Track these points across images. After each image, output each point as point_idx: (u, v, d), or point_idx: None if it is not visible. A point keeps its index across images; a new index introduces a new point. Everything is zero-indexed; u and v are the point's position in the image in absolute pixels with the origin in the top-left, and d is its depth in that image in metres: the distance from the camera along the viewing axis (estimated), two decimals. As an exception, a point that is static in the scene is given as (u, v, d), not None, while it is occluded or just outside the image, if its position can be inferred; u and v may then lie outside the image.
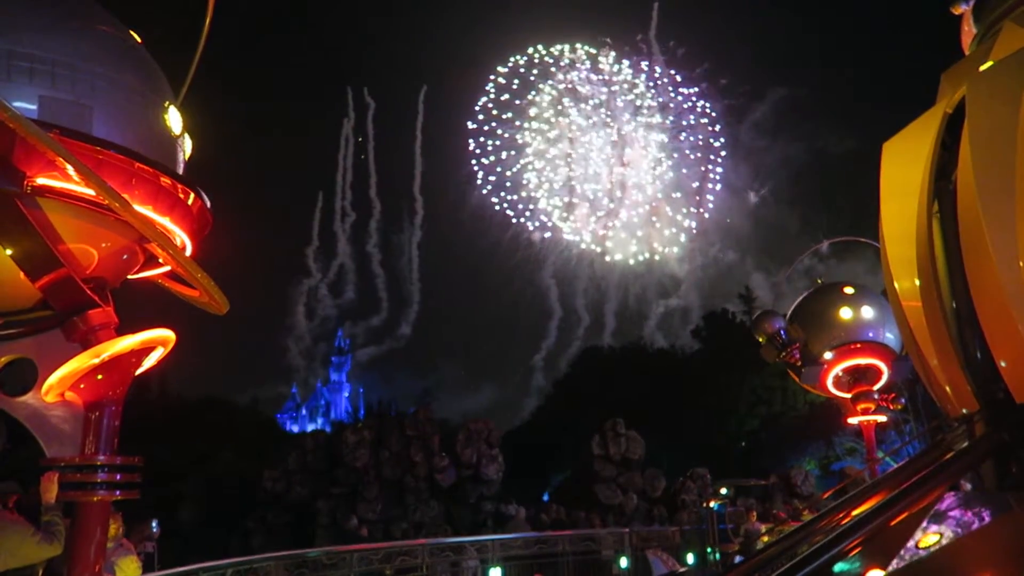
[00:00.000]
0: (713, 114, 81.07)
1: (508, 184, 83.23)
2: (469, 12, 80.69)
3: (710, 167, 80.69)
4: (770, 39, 76.78)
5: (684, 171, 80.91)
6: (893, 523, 7.42)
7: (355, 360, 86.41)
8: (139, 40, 5.95)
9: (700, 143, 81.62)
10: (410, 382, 73.95)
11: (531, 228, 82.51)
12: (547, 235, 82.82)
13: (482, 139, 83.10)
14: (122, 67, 5.52)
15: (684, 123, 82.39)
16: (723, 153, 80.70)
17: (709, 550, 20.30)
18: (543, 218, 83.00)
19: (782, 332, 18.02)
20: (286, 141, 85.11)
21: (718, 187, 78.74)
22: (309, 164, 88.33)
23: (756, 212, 74.19)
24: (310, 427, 64.94)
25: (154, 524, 13.36)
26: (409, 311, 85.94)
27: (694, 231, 78.80)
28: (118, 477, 5.27)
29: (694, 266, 76.61)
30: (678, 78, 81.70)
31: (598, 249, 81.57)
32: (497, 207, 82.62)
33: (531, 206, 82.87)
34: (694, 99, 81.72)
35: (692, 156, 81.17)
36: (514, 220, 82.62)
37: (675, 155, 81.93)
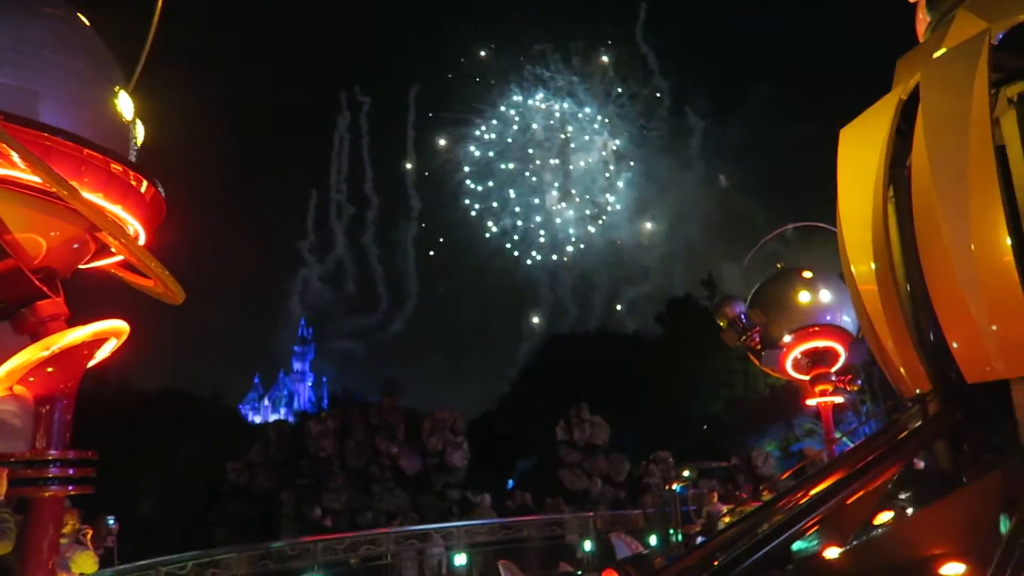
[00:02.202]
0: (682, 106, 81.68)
1: (487, 182, 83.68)
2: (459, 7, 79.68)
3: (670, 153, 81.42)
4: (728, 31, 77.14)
5: (649, 158, 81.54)
6: (850, 501, 7.58)
7: (331, 351, 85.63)
8: (88, 23, 5.76)
9: (664, 132, 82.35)
10: (391, 373, 73.66)
11: (507, 220, 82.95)
12: (519, 223, 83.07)
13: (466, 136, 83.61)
14: (70, 51, 5.35)
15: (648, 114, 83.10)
16: (691, 141, 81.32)
17: (672, 532, 20.59)
18: (516, 209, 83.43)
19: (743, 316, 18.28)
20: (279, 139, 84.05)
21: (687, 176, 79.35)
22: (301, 162, 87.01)
23: (723, 199, 74.95)
24: (273, 418, 64.30)
25: (111, 520, 13.06)
26: (384, 303, 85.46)
27: (656, 218, 79.40)
28: (71, 472, 5.15)
29: (659, 253, 77.18)
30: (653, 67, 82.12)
31: (572, 236, 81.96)
32: (479, 205, 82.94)
33: (507, 198, 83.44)
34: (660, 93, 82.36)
35: (659, 144, 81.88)
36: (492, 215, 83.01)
37: (640, 144, 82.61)
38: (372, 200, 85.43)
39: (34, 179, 4.72)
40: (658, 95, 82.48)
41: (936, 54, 8.04)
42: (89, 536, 8.47)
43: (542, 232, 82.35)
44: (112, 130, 5.40)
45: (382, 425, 31.84)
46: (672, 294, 59.65)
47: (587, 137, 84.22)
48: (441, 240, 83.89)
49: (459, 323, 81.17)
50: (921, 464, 11.25)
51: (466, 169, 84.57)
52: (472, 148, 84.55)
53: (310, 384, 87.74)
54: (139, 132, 5.74)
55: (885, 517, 7.74)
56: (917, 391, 8.53)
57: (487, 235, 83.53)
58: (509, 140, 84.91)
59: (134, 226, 5.56)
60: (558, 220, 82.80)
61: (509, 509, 26.38)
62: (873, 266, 8.43)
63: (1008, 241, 6.92)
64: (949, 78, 7.68)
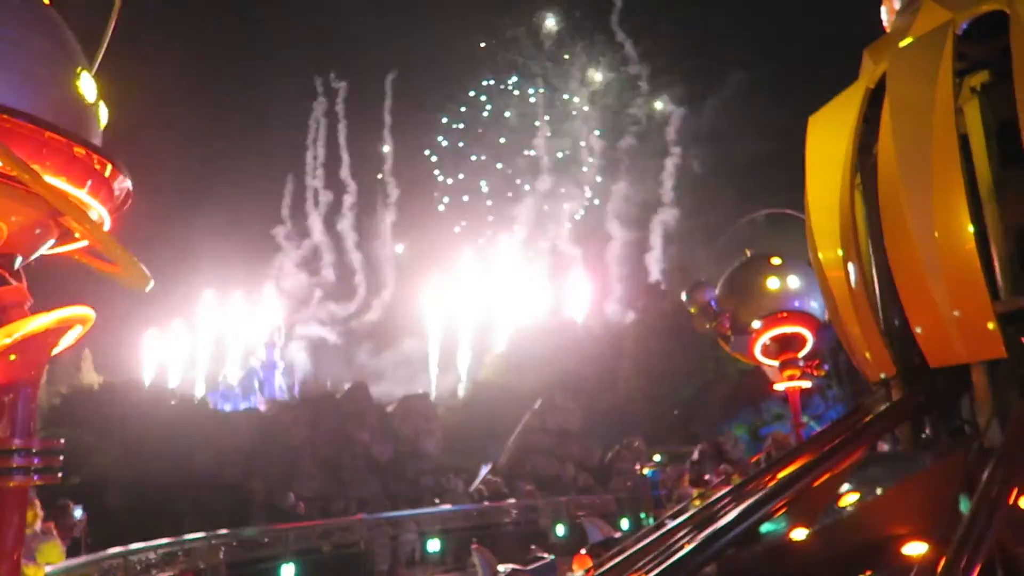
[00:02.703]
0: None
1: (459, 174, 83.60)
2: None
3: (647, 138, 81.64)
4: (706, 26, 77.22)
5: (626, 143, 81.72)
6: (816, 484, 7.73)
7: (304, 338, 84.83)
8: (47, 1, 5.61)
9: (639, 117, 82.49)
10: (371, 361, 73.10)
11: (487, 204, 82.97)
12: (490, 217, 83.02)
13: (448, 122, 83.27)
14: (29, 30, 5.19)
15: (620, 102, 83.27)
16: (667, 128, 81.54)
17: (643, 515, 20.84)
18: (489, 202, 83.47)
19: (713, 302, 18.43)
20: (254, 126, 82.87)
21: (666, 162, 79.54)
22: (277, 149, 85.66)
23: (696, 185, 75.25)
24: (243, 406, 63.67)
25: (78, 512, 12.88)
26: (359, 291, 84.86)
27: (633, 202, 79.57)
28: (36, 461, 5.04)
29: (631, 239, 77.31)
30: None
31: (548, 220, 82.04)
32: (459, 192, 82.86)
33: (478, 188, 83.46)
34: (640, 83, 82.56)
35: (633, 129, 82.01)
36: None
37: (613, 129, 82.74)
38: (348, 186, 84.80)
39: (-7, 163, 4.59)
40: (633, 79, 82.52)
41: (902, 43, 8.14)
42: (53, 527, 8.35)
43: (516, 216, 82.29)
44: (74, 112, 5.26)
45: (353, 413, 31.76)
46: (644, 280, 60.12)
47: (562, 123, 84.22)
48: (415, 226, 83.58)
49: (432, 310, 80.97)
50: (885, 447, 11.48)
51: (433, 159, 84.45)
52: (440, 138, 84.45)
53: (280, 372, 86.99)
54: (102, 114, 5.60)
55: (851, 499, 7.89)
56: (882, 375, 8.69)
57: (464, 222, 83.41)
58: (480, 130, 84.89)
59: (98, 211, 5.43)
60: (532, 205, 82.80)
61: (482, 494, 26.49)
62: (840, 252, 8.55)
63: (970, 228, 7.07)
64: (915, 67, 7.79)
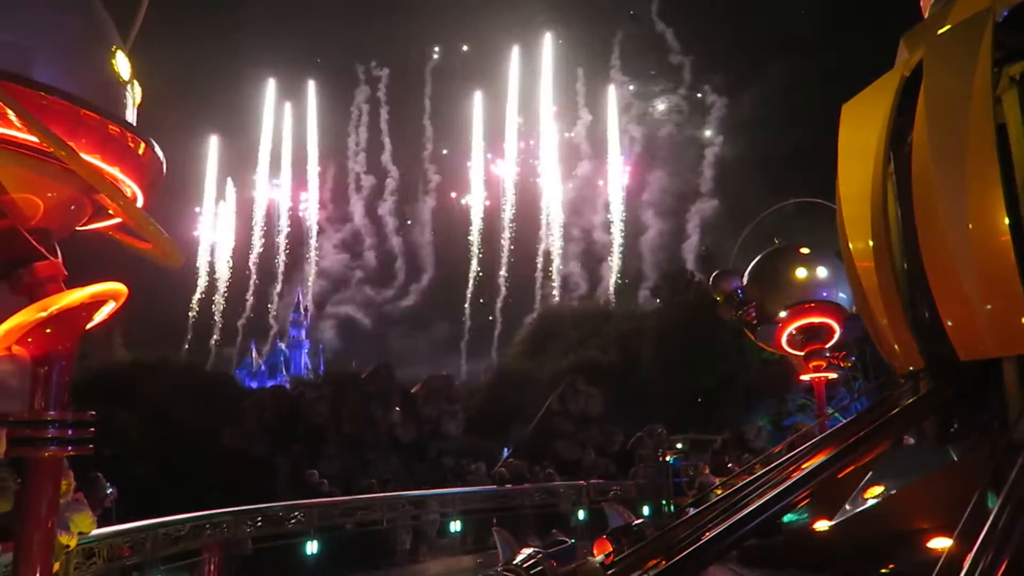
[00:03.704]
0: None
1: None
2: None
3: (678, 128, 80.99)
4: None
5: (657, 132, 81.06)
6: (840, 475, 7.68)
7: (332, 318, 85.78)
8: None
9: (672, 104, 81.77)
10: (402, 343, 73.99)
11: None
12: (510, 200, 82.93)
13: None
14: (67, 10, 5.27)
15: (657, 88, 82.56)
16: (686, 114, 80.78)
17: (664, 503, 20.83)
18: (506, 190, 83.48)
19: (739, 291, 18.30)
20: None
21: (690, 150, 78.90)
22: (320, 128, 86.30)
23: (723, 172, 74.62)
24: (269, 384, 64.50)
25: (108, 488, 13.17)
26: (392, 274, 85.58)
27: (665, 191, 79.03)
28: (69, 432, 5.17)
29: (657, 227, 76.93)
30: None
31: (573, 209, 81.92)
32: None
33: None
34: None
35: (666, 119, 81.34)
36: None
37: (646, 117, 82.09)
38: (390, 172, 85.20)
39: (31, 139, 4.68)
40: (671, 64, 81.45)
41: (939, 31, 7.97)
42: (83, 498, 8.54)
43: (543, 206, 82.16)
44: (109, 90, 5.34)
45: (377, 393, 32.04)
46: (669, 267, 59.72)
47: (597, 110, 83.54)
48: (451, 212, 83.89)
49: (459, 295, 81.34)
50: (911, 440, 11.36)
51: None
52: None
53: (307, 351, 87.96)
54: (136, 93, 5.68)
55: (876, 491, 7.84)
56: (910, 368, 8.59)
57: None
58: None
59: (132, 188, 5.52)
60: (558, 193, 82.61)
61: (504, 477, 26.63)
62: (870, 243, 8.44)
63: (1006, 220, 6.93)
64: (952, 56, 7.63)
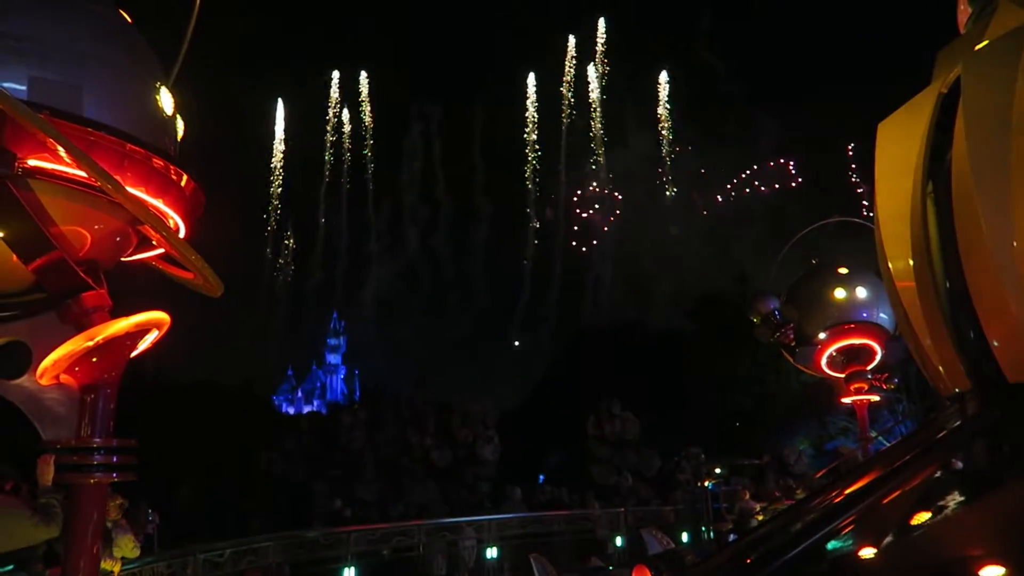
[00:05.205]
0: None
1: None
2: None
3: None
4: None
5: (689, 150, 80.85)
6: (886, 501, 7.49)
7: (365, 343, 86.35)
8: (129, 19, 5.89)
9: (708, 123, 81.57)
10: (439, 367, 74.38)
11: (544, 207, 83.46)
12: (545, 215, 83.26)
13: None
14: (112, 47, 5.48)
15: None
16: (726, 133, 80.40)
17: (703, 528, 20.50)
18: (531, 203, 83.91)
19: (776, 313, 18.07)
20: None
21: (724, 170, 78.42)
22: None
23: (761, 192, 74.04)
24: (306, 409, 65.07)
25: (149, 514, 13.40)
26: (420, 296, 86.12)
27: (701, 212, 78.63)
28: (114, 459, 5.28)
29: (693, 247, 76.45)
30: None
31: (605, 228, 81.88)
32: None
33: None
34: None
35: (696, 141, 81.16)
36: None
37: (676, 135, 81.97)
38: (444, 203, 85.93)
39: (79, 173, 4.84)
40: (711, 78, 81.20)
41: (977, 46, 7.87)
42: (125, 523, 8.70)
43: (576, 226, 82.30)
44: (154, 125, 5.52)
45: (413, 417, 32.11)
46: (705, 289, 59.14)
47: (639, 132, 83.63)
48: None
49: (491, 316, 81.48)
50: (959, 464, 11.06)
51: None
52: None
53: (342, 377, 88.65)
54: (179, 127, 5.86)
55: (923, 517, 7.63)
56: (955, 390, 8.38)
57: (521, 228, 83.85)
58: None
59: (175, 219, 5.68)
60: (593, 210, 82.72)
61: (540, 503, 26.44)
62: (911, 262, 8.29)
63: (1051, 237, 6.76)
64: (990, 71, 7.52)
